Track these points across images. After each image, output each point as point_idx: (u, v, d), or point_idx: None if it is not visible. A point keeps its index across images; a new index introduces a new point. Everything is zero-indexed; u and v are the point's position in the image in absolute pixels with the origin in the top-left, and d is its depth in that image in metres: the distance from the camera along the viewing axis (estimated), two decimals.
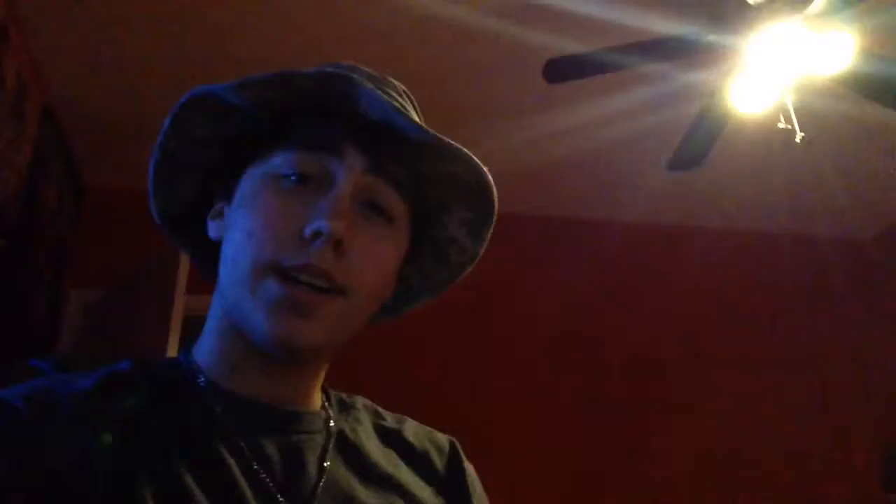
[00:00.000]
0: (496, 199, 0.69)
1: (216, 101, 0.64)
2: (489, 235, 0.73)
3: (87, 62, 2.59)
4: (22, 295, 2.62)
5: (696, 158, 2.52)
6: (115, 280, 2.70)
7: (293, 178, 0.63)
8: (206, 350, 0.68)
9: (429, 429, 0.79)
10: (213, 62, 2.50)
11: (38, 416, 0.55)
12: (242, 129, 0.67)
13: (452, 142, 0.64)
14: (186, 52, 2.50)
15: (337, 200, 0.62)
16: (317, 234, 0.60)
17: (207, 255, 0.72)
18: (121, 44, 2.49)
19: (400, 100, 0.69)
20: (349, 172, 0.64)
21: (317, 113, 0.65)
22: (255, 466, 0.61)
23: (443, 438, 0.79)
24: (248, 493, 0.59)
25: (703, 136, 2.41)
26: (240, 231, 0.63)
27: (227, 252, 0.65)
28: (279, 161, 0.64)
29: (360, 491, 0.66)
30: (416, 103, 0.74)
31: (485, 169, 0.67)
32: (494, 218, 0.71)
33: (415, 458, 0.74)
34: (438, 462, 0.75)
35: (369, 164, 0.64)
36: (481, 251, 0.74)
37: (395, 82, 0.73)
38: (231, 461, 0.60)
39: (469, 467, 0.78)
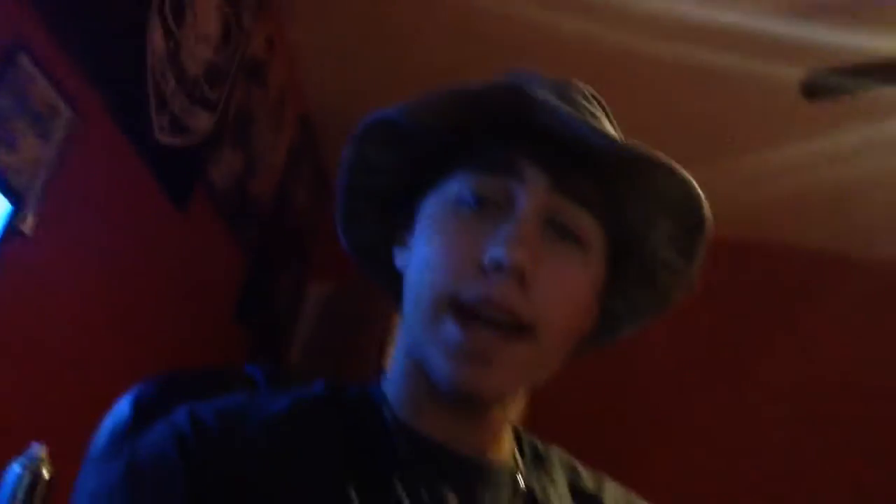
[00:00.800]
0: (707, 211, 0.60)
1: (389, 126, 0.61)
2: (702, 253, 0.63)
3: (341, 75, 2.78)
4: (268, 285, 2.87)
5: None
6: (352, 276, 2.89)
7: (471, 202, 0.58)
8: (392, 384, 0.65)
9: (633, 495, 0.71)
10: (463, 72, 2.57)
11: (225, 436, 0.56)
12: (419, 154, 0.63)
13: (646, 149, 0.55)
14: (429, 68, 2.58)
15: (518, 225, 0.56)
16: (496, 265, 0.54)
17: (399, 286, 0.70)
18: (375, 61, 2.64)
19: (589, 107, 0.62)
20: (531, 193, 0.57)
21: (493, 131, 0.59)
22: None
23: None
24: None
25: None
26: (418, 262, 0.59)
27: (408, 284, 0.62)
28: (455, 186, 0.60)
29: None
30: (608, 109, 0.66)
31: (690, 178, 0.57)
32: (706, 232, 0.61)
33: None
34: None
35: (552, 182, 0.57)
36: (694, 270, 0.64)
37: (582, 86, 0.65)
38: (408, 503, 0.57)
39: None
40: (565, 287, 0.58)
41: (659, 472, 2.40)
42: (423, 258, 0.59)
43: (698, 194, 0.59)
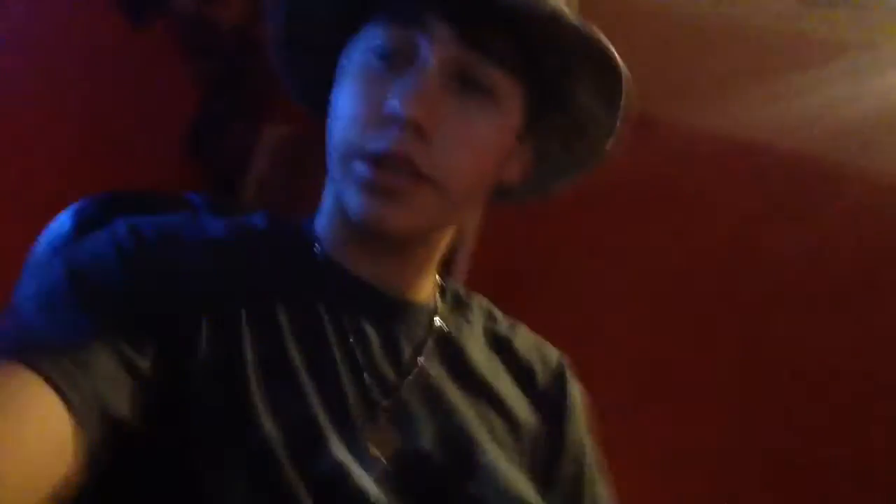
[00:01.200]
0: (621, 67, 0.61)
1: None
2: (621, 101, 0.65)
3: None
4: (223, 120, 2.81)
5: None
6: (308, 121, 2.85)
7: (379, 54, 0.60)
8: (322, 221, 0.69)
9: (541, 341, 0.77)
10: None
11: (164, 249, 0.58)
12: (345, 7, 0.64)
13: (558, 8, 0.56)
14: None
15: (418, 79, 0.57)
16: (393, 118, 0.57)
17: None
18: None
19: None
20: (436, 45, 0.58)
21: None
22: (352, 342, 0.62)
23: (553, 353, 0.76)
24: (341, 366, 0.60)
25: None
26: (333, 111, 0.62)
27: (328, 130, 0.64)
28: (368, 37, 0.61)
29: (452, 391, 0.65)
30: None
31: (602, 37, 0.59)
32: (624, 87, 0.63)
33: (518, 369, 0.72)
34: (543, 377, 0.73)
35: (459, 35, 0.58)
36: (617, 122, 0.67)
37: None
38: (330, 332, 0.61)
39: (574, 388, 0.75)
40: (470, 139, 0.60)
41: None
42: (336, 108, 0.62)
43: (610, 51, 0.60)
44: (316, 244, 0.67)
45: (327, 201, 0.68)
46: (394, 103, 0.56)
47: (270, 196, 2.85)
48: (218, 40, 2.53)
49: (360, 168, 0.59)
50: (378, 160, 0.58)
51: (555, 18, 0.57)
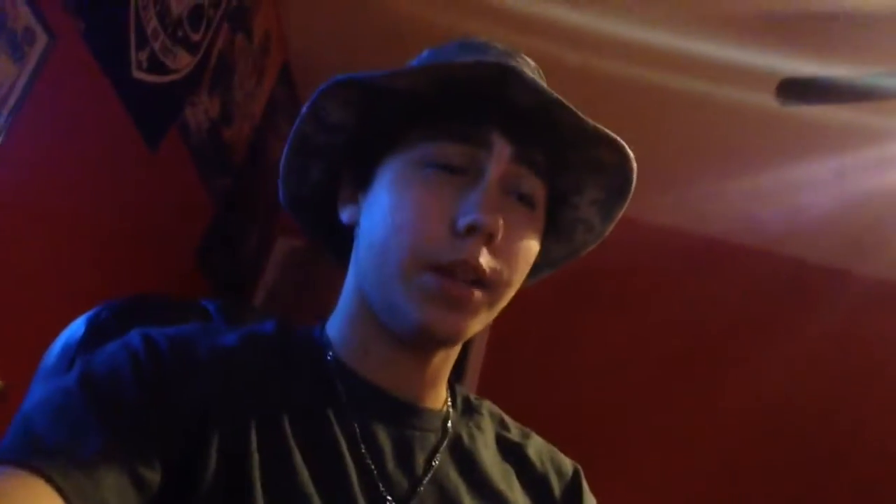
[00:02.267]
0: (634, 181, 0.67)
1: (357, 87, 0.63)
2: (618, 216, 0.71)
3: (328, 27, 2.76)
4: (235, 234, 2.87)
5: None
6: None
7: (441, 167, 0.62)
8: (337, 328, 0.68)
9: (554, 449, 0.75)
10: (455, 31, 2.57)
11: (176, 361, 0.58)
12: (380, 115, 0.66)
13: (607, 130, 0.62)
14: (416, 29, 2.57)
15: (488, 192, 0.60)
16: (471, 229, 0.59)
17: (331, 239, 0.73)
18: (363, 11, 2.62)
19: (536, 78, 0.67)
20: (497, 162, 0.62)
21: (463, 97, 0.63)
22: (364, 451, 0.61)
23: (567, 463, 0.75)
24: (353, 475, 0.59)
25: None
26: (385, 223, 0.62)
27: (369, 240, 0.65)
28: (423, 150, 0.63)
29: (466, 498, 0.64)
30: (545, 82, 0.71)
31: (631, 153, 0.64)
32: (628, 200, 0.68)
33: (532, 479, 0.70)
34: (557, 487, 0.71)
35: (516, 153, 0.63)
36: (608, 231, 0.72)
37: (528, 59, 0.70)
38: (342, 441, 0.60)
39: (589, 500, 0.73)
40: (522, 249, 0.64)
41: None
42: (391, 218, 0.62)
43: (633, 168, 0.66)
44: (329, 350, 0.67)
45: (348, 309, 0.68)
46: (473, 216, 0.59)
47: (280, 303, 2.87)
48: (230, 158, 2.62)
49: (430, 280, 0.60)
50: (449, 270, 0.60)
51: (600, 136, 0.63)
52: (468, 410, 0.73)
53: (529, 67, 0.69)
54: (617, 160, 0.65)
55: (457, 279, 0.60)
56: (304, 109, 0.66)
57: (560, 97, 0.61)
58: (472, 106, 0.63)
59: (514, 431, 0.74)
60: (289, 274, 3.03)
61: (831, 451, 2.97)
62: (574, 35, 2.32)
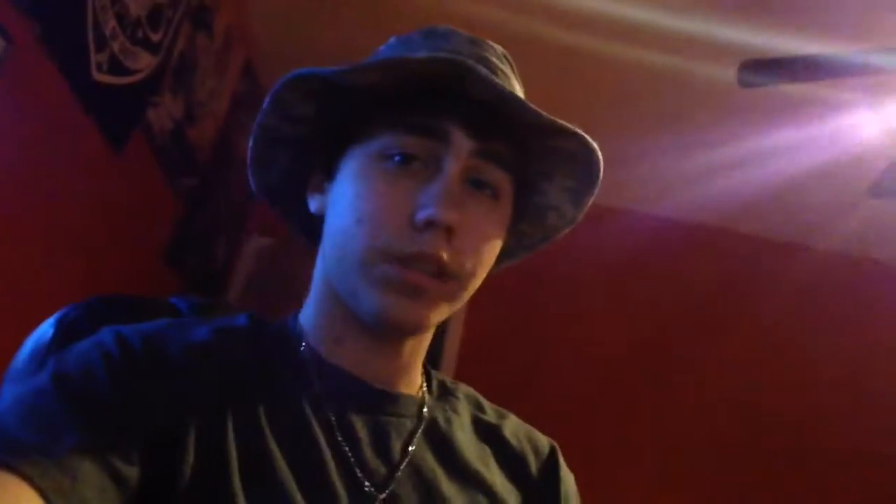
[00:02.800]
0: (601, 172, 0.68)
1: (318, 81, 0.64)
2: (590, 202, 0.72)
3: (291, 21, 2.74)
4: (204, 233, 2.85)
5: None
6: (287, 234, 2.88)
7: (398, 158, 0.63)
8: (309, 317, 0.69)
9: (530, 428, 0.76)
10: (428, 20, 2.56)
11: (149, 358, 0.59)
12: (341, 107, 0.67)
13: (565, 123, 0.63)
14: (380, 18, 2.57)
15: (446, 186, 0.61)
16: (429, 224, 0.60)
17: (306, 225, 0.74)
18: (325, 4, 2.61)
19: (501, 66, 0.68)
20: (456, 157, 0.63)
21: (421, 90, 0.64)
22: (340, 440, 0.62)
23: (543, 441, 0.76)
24: (330, 464, 0.59)
25: None
26: (347, 213, 0.63)
27: (333, 230, 0.66)
28: (383, 142, 0.64)
29: (443, 482, 0.65)
30: (514, 66, 0.72)
31: (595, 145, 0.65)
32: (597, 188, 0.70)
33: (509, 459, 0.71)
34: (534, 465, 0.72)
35: (476, 147, 0.63)
36: (580, 217, 0.73)
37: (495, 46, 0.71)
38: (318, 431, 0.61)
39: (567, 476, 0.74)
40: (483, 239, 0.65)
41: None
42: (351, 210, 0.63)
43: (598, 158, 0.67)
44: (302, 341, 0.67)
45: (318, 298, 0.69)
46: (431, 211, 0.59)
47: (254, 301, 2.85)
48: (196, 157, 2.60)
49: (387, 269, 0.60)
50: (407, 261, 0.60)
51: (557, 129, 0.64)
52: (444, 394, 0.73)
53: (496, 54, 0.70)
54: (580, 149, 0.66)
55: (416, 269, 0.61)
56: (265, 102, 0.66)
57: (512, 92, 0.62)
58: (432, 99, 0.64)
59: (490, 413, 0.75)
60: (261, 270, 3.01)
61: (794, 433, 3.02)
62: (539, 7, 2.31)
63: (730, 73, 2.03)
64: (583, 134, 0.65)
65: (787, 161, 2.78)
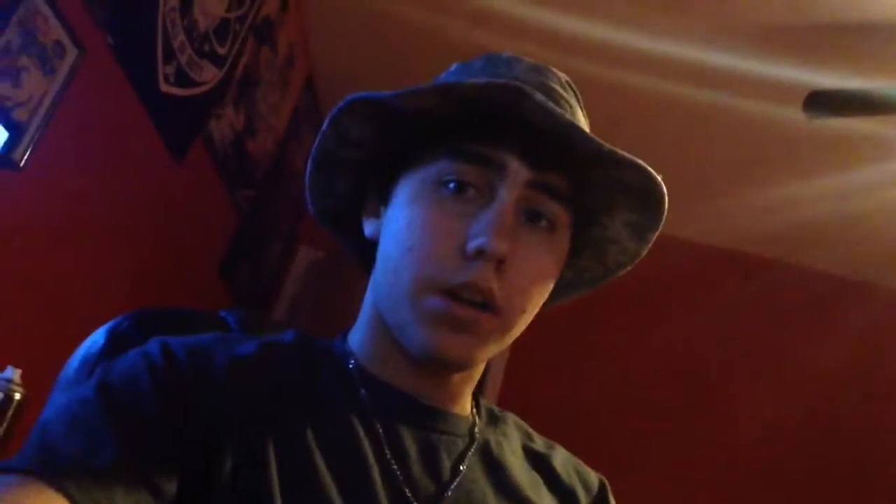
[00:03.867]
0: (666, 206, 0.65)
1: (375, 105, 0.63)
2: (654, 238, 0.69)
3: (352, 40, 2.78)
4: (258, 245, 2.89)
5: None
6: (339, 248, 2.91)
7: (452, 186, 0.61)
8: (358, 340, 0.68)
9: (578, 461, 0.75)
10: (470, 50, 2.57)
11: (194, 370, 0.58)
12: (398, 131, 0.66)
13: (625, 154, 0.60)
14: (439, 42, 2.59)
15: (499, 216, 0.59)
16: (479, 253, 0.58)
17: (361, 249, 0.73)
18: (386, 24, 2.64)
19: (565, 95, 0.66)
20: (512, 186, 0.61)
21: (480, 117, 0.62)
22: (388, 455, 0.60)
23: (593, 475, 0.74)
24: (377, 480, 0.58)
25: None
26: (399, 241, 0.62)
27: (385, 257, 0.65)
28: (439, 169, 0.63)
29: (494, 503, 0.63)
30: (579, 95, 0.70)
31: (658, 178, 0.62)
32: (662, 223, 0.66)
33: (559, 490, 0.70)
34: (584, 500, 0.71)
35: (533, 177, 0.61)
36: (644, 252, 0.70)
37: (559, 74, 0.69)
38: (366, 444, 0.60)
39: None
40: (536, 272, 0.63)
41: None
42: (403, 237, 0.62)
43: (662, 191, 0.64)
44: (351, 359, 0.67)
45: (367, 324, 0.68)
46: (483, 240, 0.58)
47: (302, 315, 2.88)
48: (254, 169, 2.64)
49: (436, 302, 0.59)
50: (455, 293, 0.59)
51: (618, 160, 0.61)
52: (493, 420, 0.72)
53: (559, 83, 0.68)
54: (643, 182, 0.63)
55: (464, 302, 0.59)
56: (324, 126, 0.66)
57: (572, 120, 0.60)
58: (489, 126, 0.62)
59: (540, 442, 0.74)
60: (310, 285, 3.04)
61: (852, 466, 2.92)
62: (601, 49, 2.32)
63: (797, 111, 1.99)
64: (646, 166, 0.62)
65: (853, 197, 2.71)
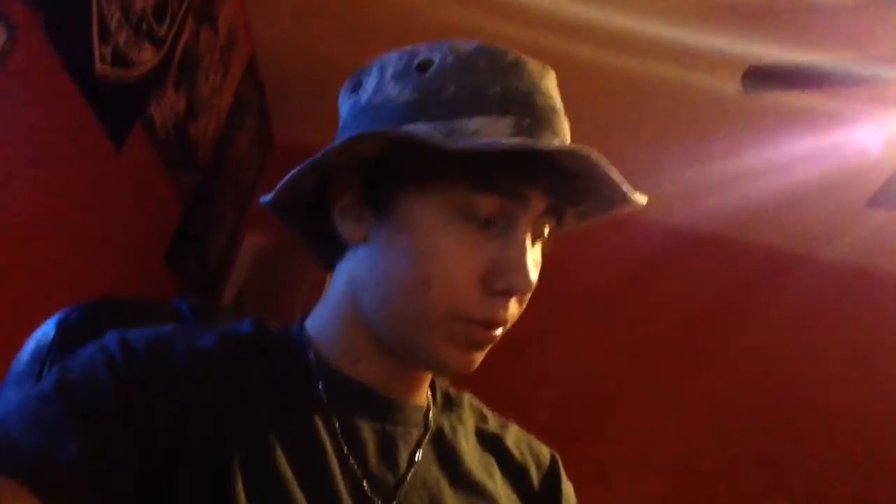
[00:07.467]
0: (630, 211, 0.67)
1: (409, 139, 0.59)
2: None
3: (294, 20, 2.72)
4: (203, 233, 2.83)
5: None
6: (286, 234, 2.87)
7: (481, 220, 0.60)
8: (321, 329, 0.68)
9: (531, 438, 0.77)
10: (427, 29, 2.54)
11: (153, 365, 0.57)
12: (412, 149, 0.61)
13: (637, 195, 0.63)
14: (386, 15, 2.55)
15: (523, 252, 0.60)
16: (506, 292, 0.60)
17: (317, 237, 0.70)
18: (329, 10, 2.60)
19: (558, 104, 0.66)
20: (531, 218, 0.62)
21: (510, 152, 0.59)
22: (346, 450, 0.61)
23: (544, 451, 0.76)
24: (336, 472, 0.59)
25: None
26: (413, 264, 0.61)
27: (387, 273, 0.63)
28: (462, 197, 0.60)
29: (447, 492, 0.64)
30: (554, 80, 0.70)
31: (640, 200, 0.64)
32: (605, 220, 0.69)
33: (512, 469, 0.72)
34: (535, 476, 0.73)
35: (549, 205, 0.63)
36: (573, 230, 0.73)
37: (553, 80, 0.67)
38: (325, 438, 0.60)
39: (567, 487, 0.74)
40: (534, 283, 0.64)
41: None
42: (419, 263, 0.60)
43: (632, 208, 0.66)
44: (309, 349, 0.66)
45: (337, 318, 0.67)
46: (514, 282, 0.59)
47: (249, 301, 2.84)
48: (197, 154, 2.58)
49: (463, 328, 0.61)
50: (476, 323, 0.61)
51: (622, 196, 0.63)
52: (448, 404, 0.73)
53: (555, 88, 0.67)
54: (615, 196, 0.64)
55: (492, 329, 0.62)
56: (336, 146, 0.61)
57: (617, 175, 0.60)
58: (520, 162, 0.60)
59: (493, 422, 0.75)
60: (258, 272, 2.99)
61: (796, 440, 3.03)
62: (542, 18, 2.31)
63: (734, 85, 2.03)
64: (642, 201, 0.64)
65: (790, 172, 2.79)
